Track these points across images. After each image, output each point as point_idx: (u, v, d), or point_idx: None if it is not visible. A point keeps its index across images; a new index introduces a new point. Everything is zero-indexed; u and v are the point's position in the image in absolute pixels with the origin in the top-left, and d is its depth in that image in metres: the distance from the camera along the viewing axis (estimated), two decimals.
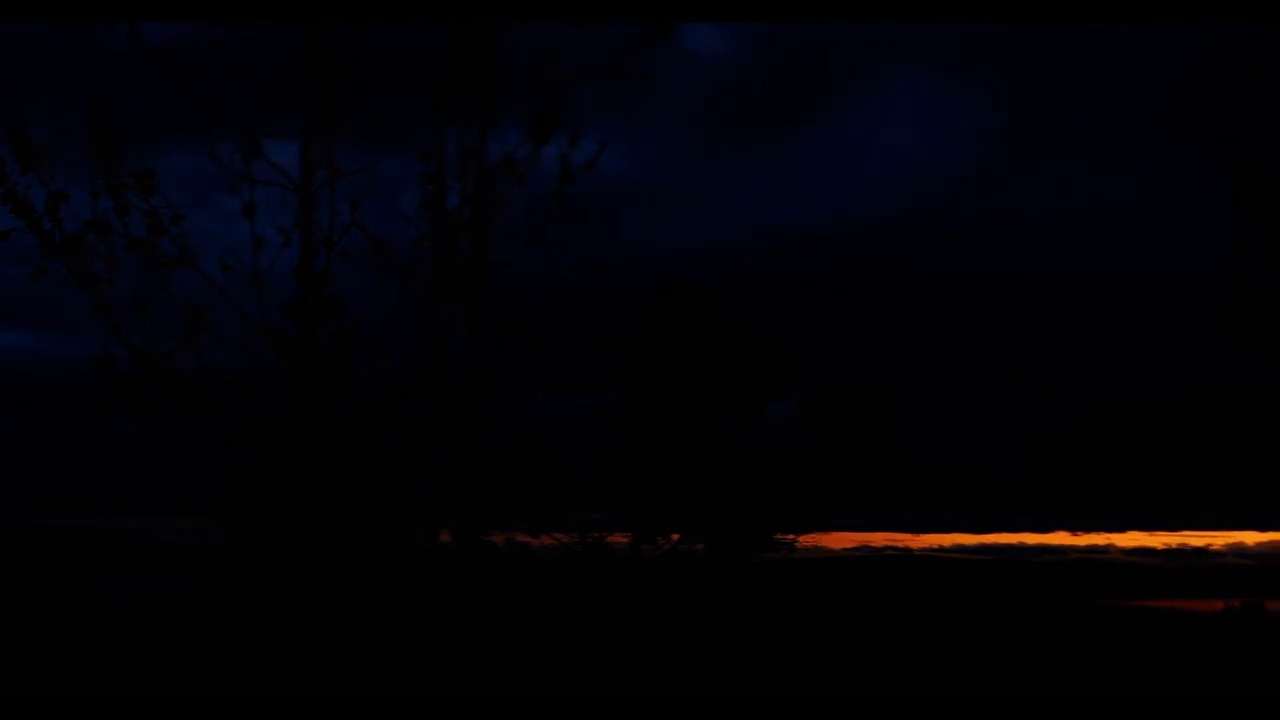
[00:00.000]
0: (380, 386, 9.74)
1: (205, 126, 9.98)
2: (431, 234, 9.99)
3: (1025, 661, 10.77)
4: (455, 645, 8.92)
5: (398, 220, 10.26)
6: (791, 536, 12.47)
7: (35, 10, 10.15)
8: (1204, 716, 9.29)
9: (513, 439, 9.72)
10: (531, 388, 10.01)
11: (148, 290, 9.55)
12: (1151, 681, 10.28)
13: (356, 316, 9.91)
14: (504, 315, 10.00)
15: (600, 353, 10.74)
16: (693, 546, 11.23)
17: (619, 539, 11.35)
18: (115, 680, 8.79)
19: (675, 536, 11.37)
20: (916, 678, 9.97)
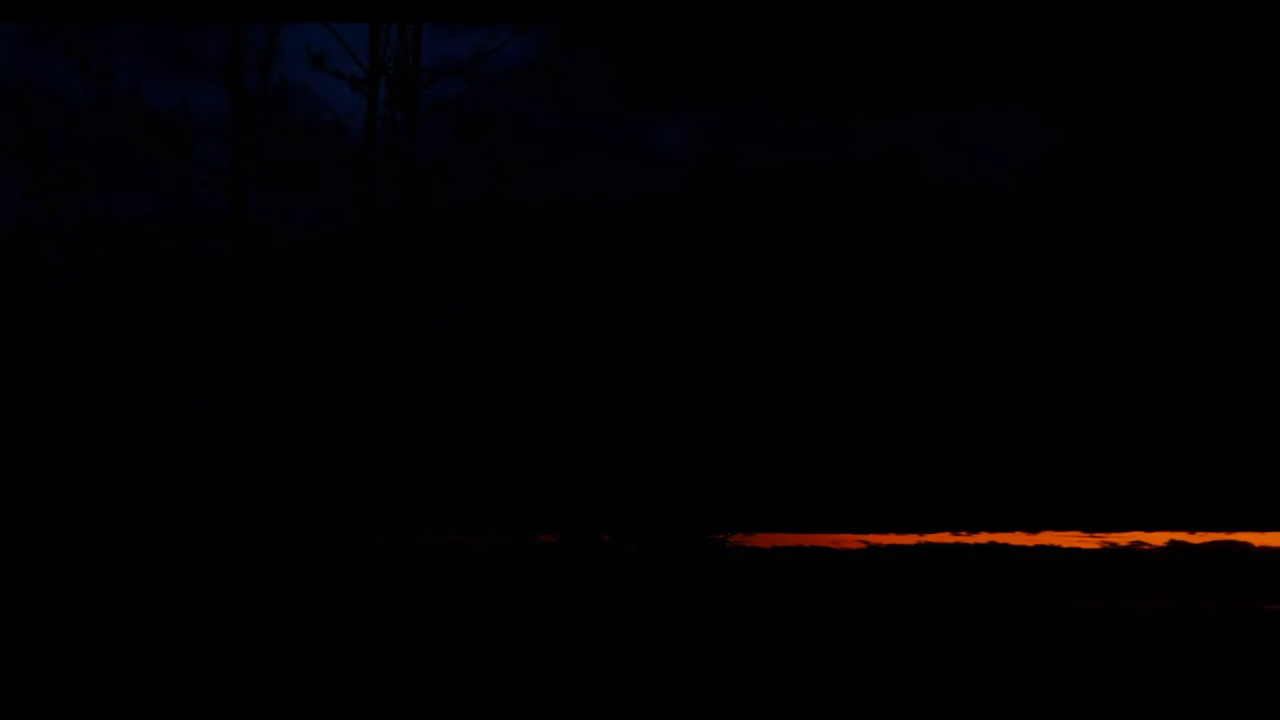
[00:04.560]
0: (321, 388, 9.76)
1: (135, 127, 9.99)
2: (363, 232, 10.03)
3: (959, 662, 10.86)
4: (400, 644, 8.96)
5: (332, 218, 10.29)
6: (722, 536, 12.60)
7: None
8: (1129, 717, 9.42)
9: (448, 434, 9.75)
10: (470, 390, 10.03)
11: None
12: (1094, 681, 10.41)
13: (304, 318, 9.92)
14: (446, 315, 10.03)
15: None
16: (624, 545, 11.35)
17: (548, 538, 11.45)
18: (87, 681, 8.76)
19: (605, 536, 11.47)
20: (858, 677, 10.05)
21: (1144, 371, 12.13)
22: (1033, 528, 13.89)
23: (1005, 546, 13.47)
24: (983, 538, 13.89)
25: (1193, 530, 12.73)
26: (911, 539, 13.96)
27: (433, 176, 10.20)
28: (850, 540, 14.53)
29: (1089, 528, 13.68)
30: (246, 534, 9.22)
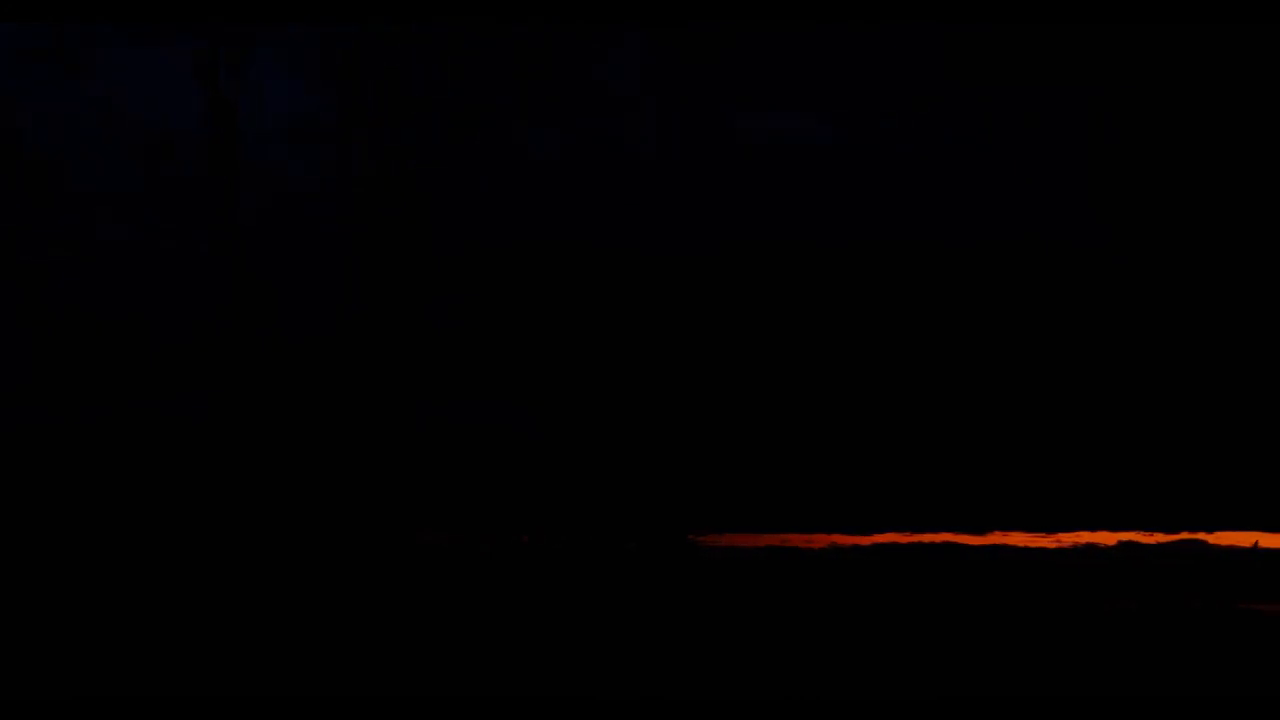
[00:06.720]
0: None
1: (114, 130, 9.99)
2: (361, 233, 10.08)
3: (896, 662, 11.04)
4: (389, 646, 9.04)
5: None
6: (694, 536, 12.72)
7: None
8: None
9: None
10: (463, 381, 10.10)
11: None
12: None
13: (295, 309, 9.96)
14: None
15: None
16: (624, 545, 11.42)
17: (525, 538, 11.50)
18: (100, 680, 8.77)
19: (599, 536, 11.54)
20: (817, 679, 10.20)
21: (1119, 373, 12.42)
22: (980, 529, 14.09)
23: (960, 545, 13.69)
24: (938, 537, 14.13)
25: (1145, 530, 12.98)
26: (864, 539, 14.13)
27: (419, 176, 10.28)
28: (797, 539, 14.73)
29: (1035, 528, 13.88)
30: (247, 533, 9.26)
